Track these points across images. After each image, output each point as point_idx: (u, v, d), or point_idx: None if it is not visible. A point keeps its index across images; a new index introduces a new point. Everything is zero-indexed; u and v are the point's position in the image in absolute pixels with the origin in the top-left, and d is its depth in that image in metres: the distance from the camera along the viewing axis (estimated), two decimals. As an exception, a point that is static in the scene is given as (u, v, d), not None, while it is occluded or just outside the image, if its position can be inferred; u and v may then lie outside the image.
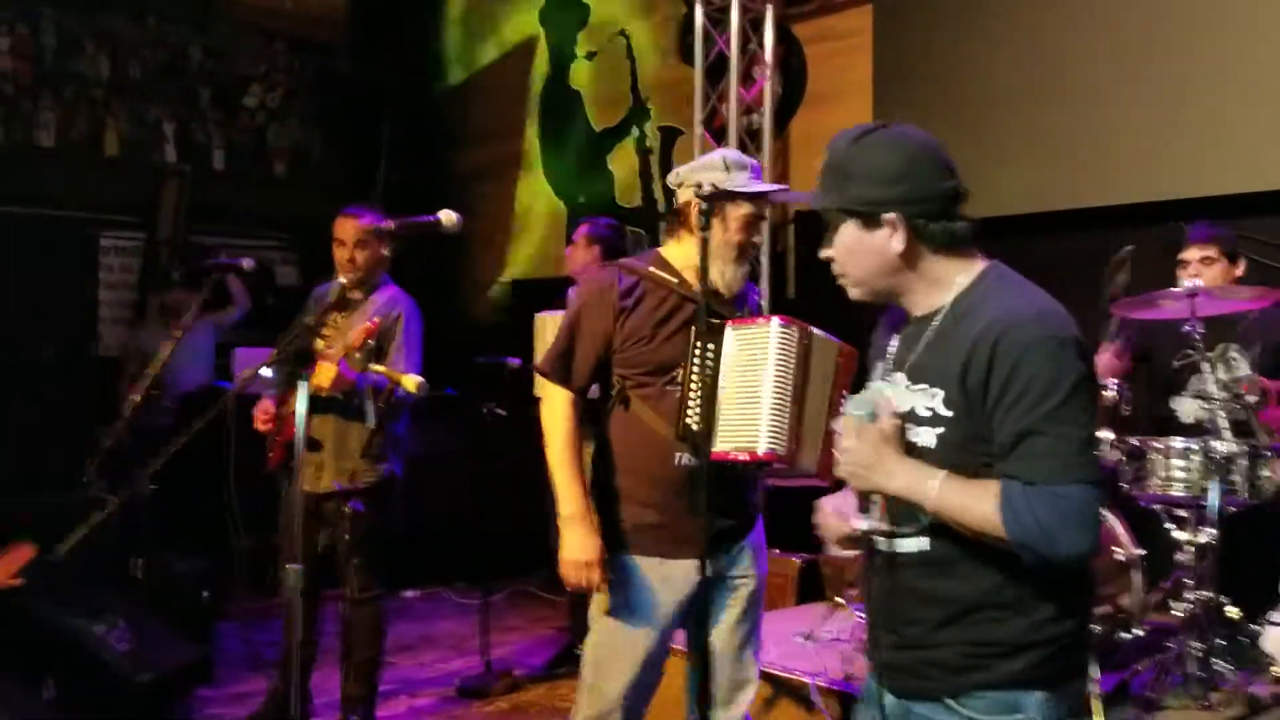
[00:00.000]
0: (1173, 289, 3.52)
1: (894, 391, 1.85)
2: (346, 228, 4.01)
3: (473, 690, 4.63)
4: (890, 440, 1.77)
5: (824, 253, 1.89)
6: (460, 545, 5.53)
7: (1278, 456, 3.51)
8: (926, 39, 5.49)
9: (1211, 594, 3.42)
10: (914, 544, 1.82)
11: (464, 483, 5.60)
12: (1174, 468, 3.48)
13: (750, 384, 2.52)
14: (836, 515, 1.91)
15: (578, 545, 2.74)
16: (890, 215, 1.78)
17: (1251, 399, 3.51)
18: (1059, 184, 4.99)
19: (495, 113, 8.01)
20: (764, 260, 6.03)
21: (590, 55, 7.39)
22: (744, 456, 2.50)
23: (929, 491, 1.73)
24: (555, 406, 2.82)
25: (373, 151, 8.18)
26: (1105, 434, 3.68)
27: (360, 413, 3.83)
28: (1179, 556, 3.65)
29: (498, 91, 8.02)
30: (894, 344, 1.90)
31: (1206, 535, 3.44)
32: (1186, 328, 3.51)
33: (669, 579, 2.77)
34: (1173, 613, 3.74)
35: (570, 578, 2.76)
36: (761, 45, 6.13)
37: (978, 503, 1.70)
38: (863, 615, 3.65)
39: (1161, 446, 3.53)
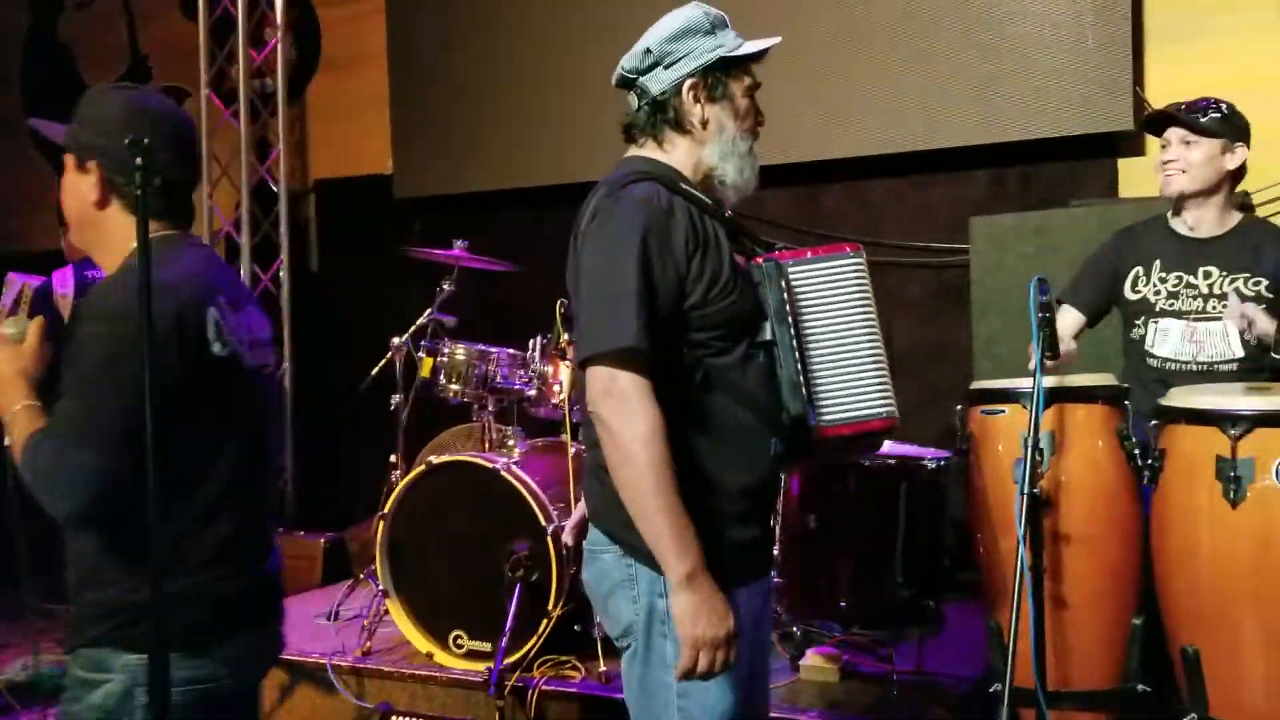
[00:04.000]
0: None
1: None
2: None
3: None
4: (26, 365, 1.85)
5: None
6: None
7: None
8: (440, 7, 5.49)
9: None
10: None
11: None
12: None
13: (843, 334, 1.99)
14: None
15: (716, 613, 1.79)
16: (91, 162, 1.89)
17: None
18: (572, 159, 5.15)
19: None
20: (283, 230, 5.80)
21: (81, 5, 6.66)
22: (874, 426, 1.98)
23: (7, 411, 1.81)
24: (640, 405, 1.80)
25: None
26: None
27: None
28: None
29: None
30: None
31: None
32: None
33: (761, 603, 2.05)
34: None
35: (703, 663, 1.80)
36: (272, 6, 5.84)
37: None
38: (383, 589, 3.64)
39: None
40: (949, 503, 3.31)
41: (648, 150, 2.05)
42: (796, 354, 1.93)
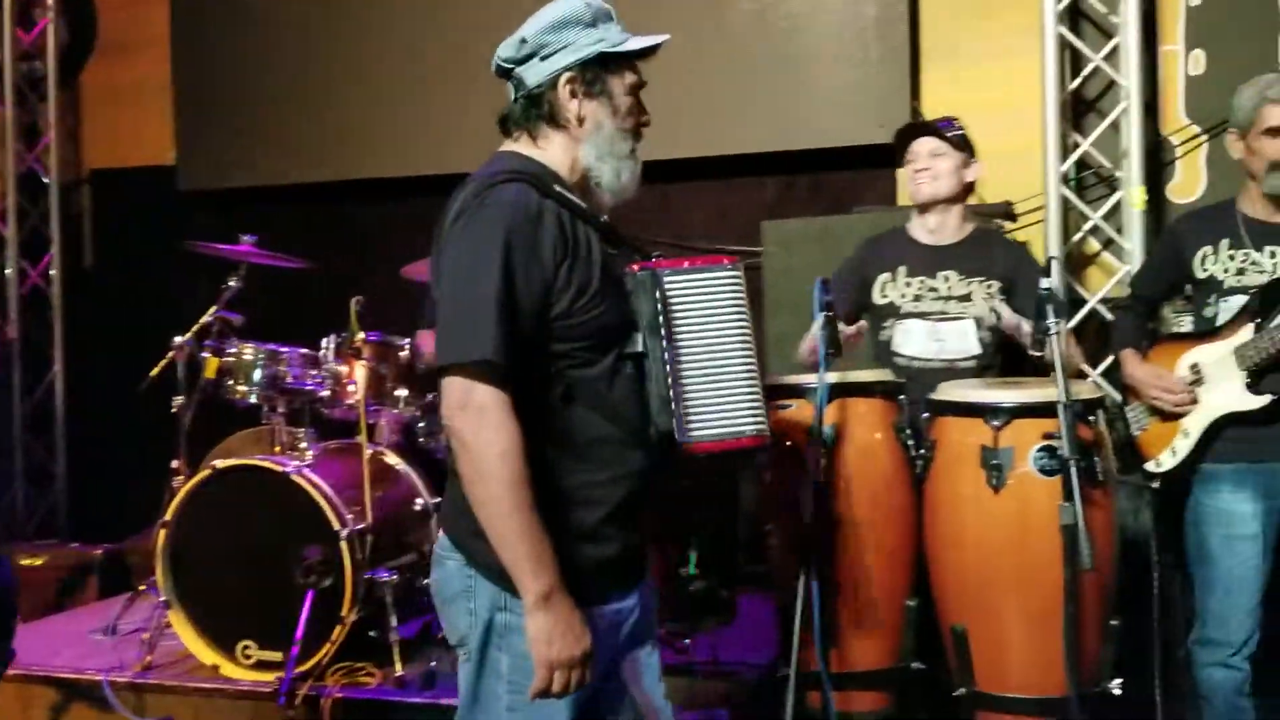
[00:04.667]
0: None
1: None
2: None
3: None
4: None
5: None
6: None
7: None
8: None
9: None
10: None
11: None
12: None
13: (716, 348, 1.92)
14: None
15: (572, 634, 1.76)
16: None
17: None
18: (374, 152, 5.01)
19: None
20: (54, 223, 5.45)
21: None
22: (743, 444, 1.91)
23: None
24: (497, 420, 1.74)
25: None
26: (401, 391, 3.85)
27: None
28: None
29: None
30: None
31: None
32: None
33: (617, 623, 1.96)
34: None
35: (557, 684, 1.77)
36: (42, -16, 5.49)
37: None
38: (165, 600, 3.47)
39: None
40: (741, 496, 3.42)
41: (522, 145, 1.95)
42: (668, 368, 1.87)
